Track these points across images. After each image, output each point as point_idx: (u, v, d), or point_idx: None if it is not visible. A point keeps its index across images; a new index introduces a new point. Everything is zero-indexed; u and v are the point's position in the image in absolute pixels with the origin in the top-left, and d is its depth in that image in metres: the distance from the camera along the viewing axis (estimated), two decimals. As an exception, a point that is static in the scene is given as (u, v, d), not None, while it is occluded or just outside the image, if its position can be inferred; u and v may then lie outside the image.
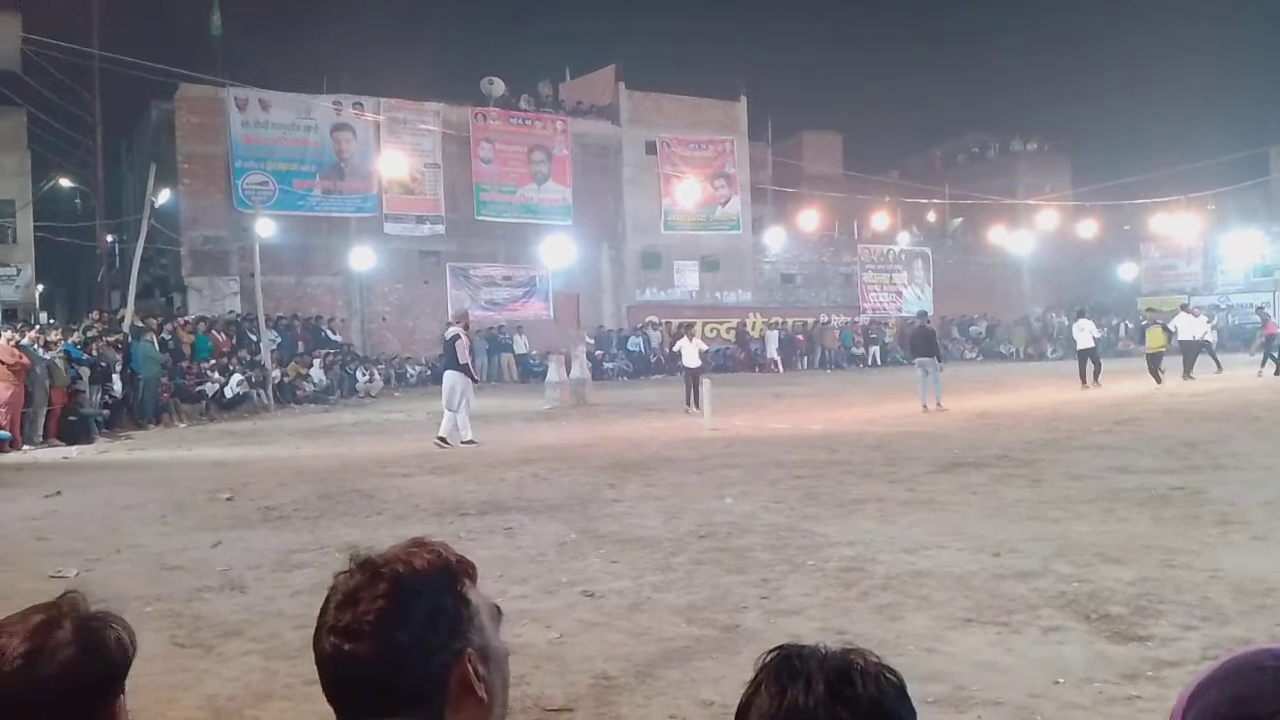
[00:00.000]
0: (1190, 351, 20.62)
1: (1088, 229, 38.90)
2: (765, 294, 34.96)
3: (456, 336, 13.01)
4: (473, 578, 1.12)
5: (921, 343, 16.66)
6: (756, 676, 0.93)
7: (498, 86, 30.16)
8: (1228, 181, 36.44)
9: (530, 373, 26.59)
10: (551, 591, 5.27)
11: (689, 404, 16.30)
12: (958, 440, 11.35)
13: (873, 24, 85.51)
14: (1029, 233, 38.73)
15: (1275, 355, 20.72)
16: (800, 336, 33.49)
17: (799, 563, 5.68)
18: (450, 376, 12.91)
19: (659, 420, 15.45)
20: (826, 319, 34.51)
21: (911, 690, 3.23)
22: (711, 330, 33.22)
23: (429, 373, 26.62)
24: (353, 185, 27.59)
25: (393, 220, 28.05)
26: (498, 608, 1.15)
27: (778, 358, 31.80)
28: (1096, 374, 19.75)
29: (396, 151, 27.52)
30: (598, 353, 28.23)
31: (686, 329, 20.05)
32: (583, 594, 5.18)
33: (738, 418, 14.94)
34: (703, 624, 4.57)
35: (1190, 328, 21.10)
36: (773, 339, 32.38)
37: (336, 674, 1.04)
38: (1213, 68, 69.99)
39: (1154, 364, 19.34)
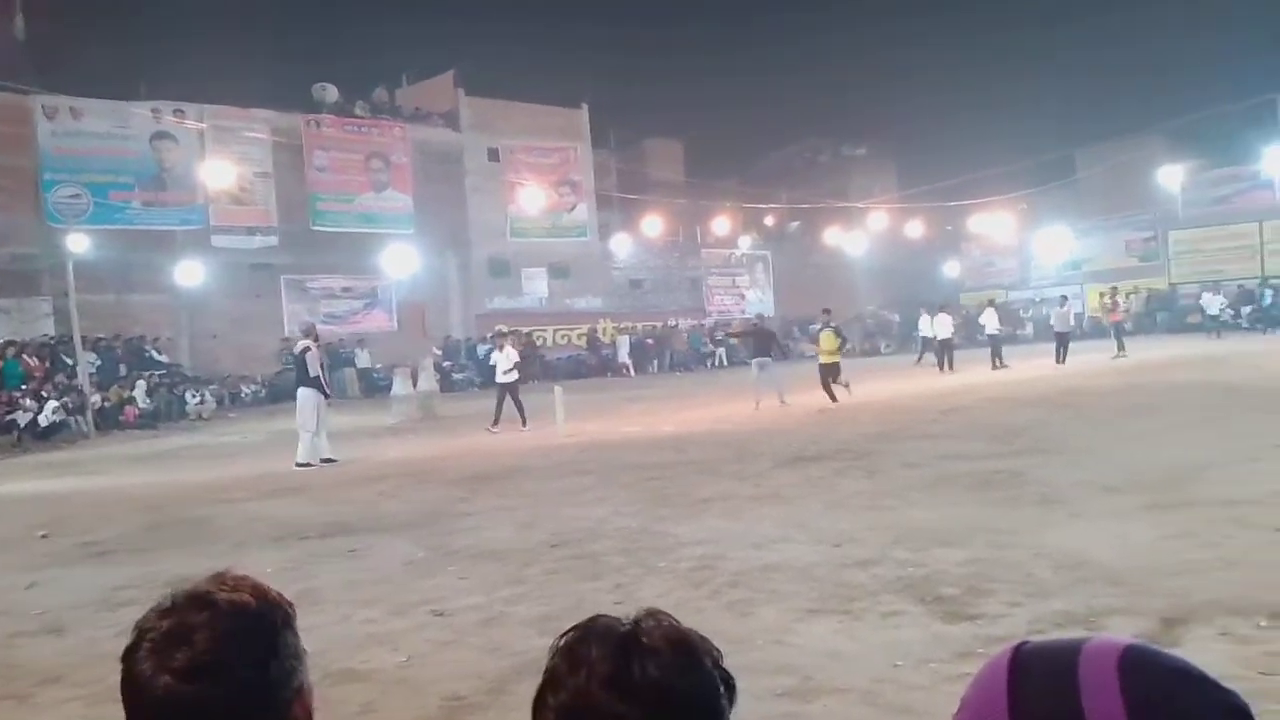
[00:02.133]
0: (997, 343, 22.42)
1: (914, 229, 41.03)
2: (615, 299, 35.23)
3: (307, 349, 12.46)
4: (293, 615, 1.05)
5: (758, 342, 17.01)
6: (550, 663, 0.88)
7: (331, 93, 29.23)
8: (1039, 182, 39.18)
9: (375, 387, 25.83)
10: (400, 613, 5.11)
11: (494, 424, 14.77)
12: (800, 435, 11.72)
13: (709, 34, 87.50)
14: (862, 234, 40.53)
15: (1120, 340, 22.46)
16: (650, 340, 33.92)
17: (652, 565, 5.72)
18: (303, 393, 12.38)
19: (511, 430, 15.27)
20: (675, 323, 35.11)
21: (762, 684, 3.26)
22: (563, 336, 33.25)
23: (265, 392, 25.52)
24: (176, 196, 26.13)
25: (222, 233, 26.71)
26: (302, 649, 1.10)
27: (629, 362, 32.11)
28: (951, 362, 21.94)
29: (223, 160, 26.20)
30: (446, 364, 27.73)
31: (499, 337, 17.28)
32: (432, 613, 5.04)
33: (591, 423, 14.97)
34: (557, 635, 4.51)
35: (941, 326, 22.99)
36: (624, 344, 32.68)
37: (167, 718, 0.94)
38: (1024, 74, 75.11)
39: (827, 375, 16.25)
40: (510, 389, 15.24)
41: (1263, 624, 3.86)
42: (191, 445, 16.24)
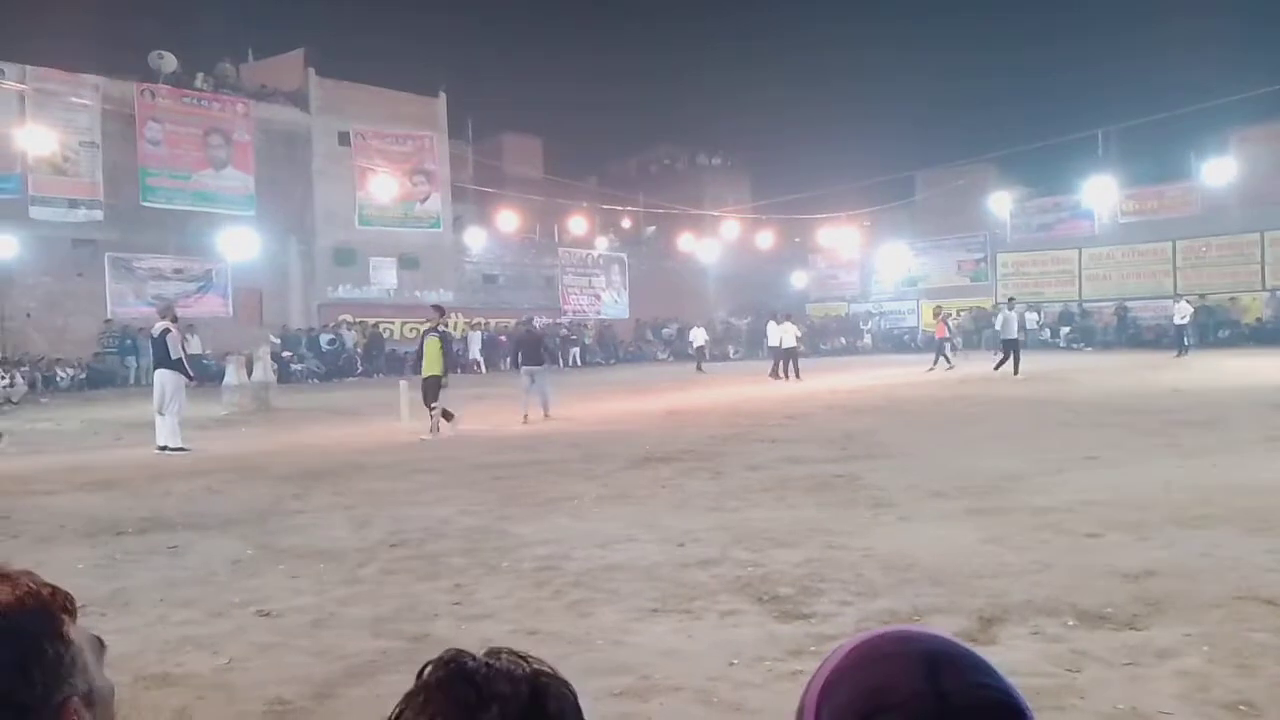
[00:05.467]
0: (792, 356, 22.94)
1: (765, 240, 42.24)
2: (468, 294, 34.66)
3: (166, 331, 11.97)
4: (72, 612, 0.94)
5: (528, 349, 15.32)
6: (419, 696, 0.81)
7: (169, 62, 27.55)
8: (881, 200, 41.05)
9: (204, 376, 24.47)
10: (221, 614, 4.82)
11: None
12: (650, 437, 11.82)
13: (571, 34, 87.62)
14: (714, 242, 41.41)
15: (945, 354, 24.13)
16: (503, 338, 33.50)
17: (494, 565, 5.61)
18: (161, 376, 11.88)
19: (353, 425, 14.77)
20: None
21: (599, 684, 3.22)
22: (412, 330, 32.44)
23: (83, 376, 23.85)
24: (-11, 163, 24.03)
25: (40, 204, 24.73)
26: (100, 640, 0.97)
27: (481, 359, 31.64)
28: (791, 369, 22.33)
29: (44, 127, 24.29)
30: (285, 354, 26.59)
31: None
32: (257, 614, 4.78)
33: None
34: (390, 636, 4.36)
35: (786, 335, 23.45)
36: (475, 340, 32.18)
37: None
38: (870, 99, 78.60)
39: (430, 392, 13.22)
40: None
41: (1070, 624, 4.12)
42: (-5, 432, 14.93)
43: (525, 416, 14.38)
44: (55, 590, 0.94)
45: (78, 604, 0.96)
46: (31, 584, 0.92)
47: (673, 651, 4.02)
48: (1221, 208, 33.25)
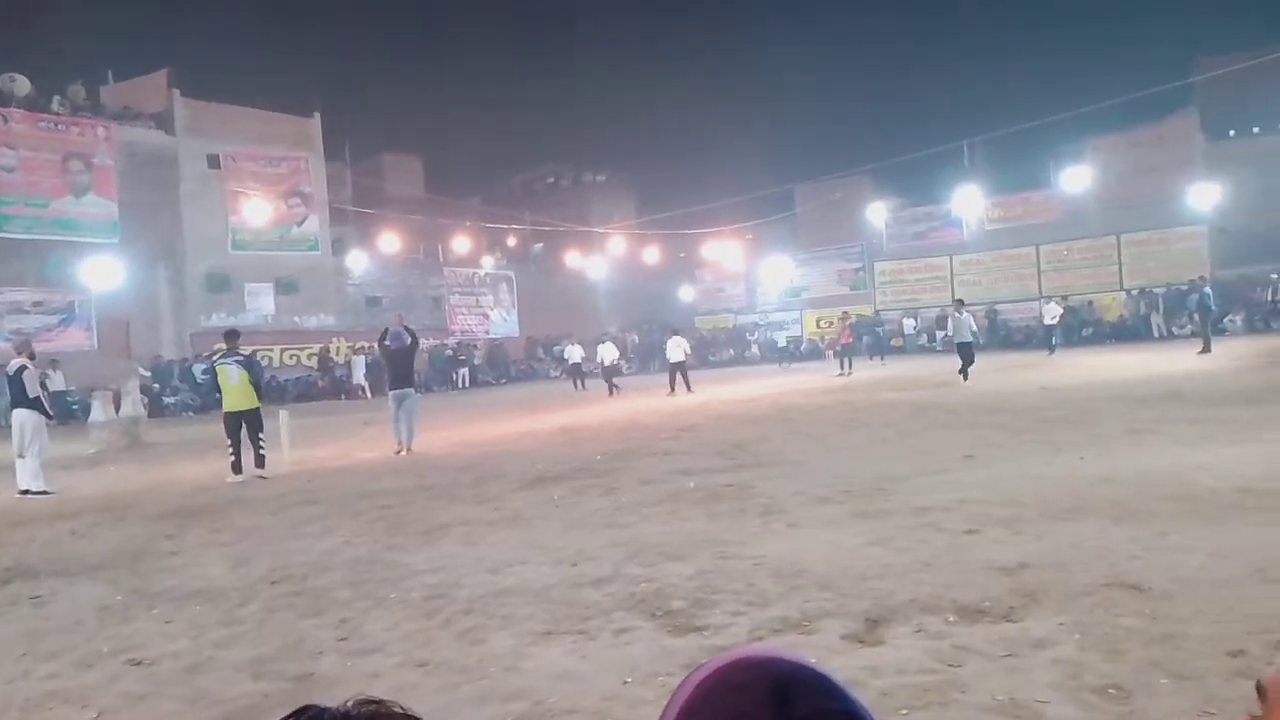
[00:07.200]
0: (681, 370, 22.78)
1: (652, 255, 42.68)
2: (350, 317, 33.86)
3: (23, 368, 11.37)
4: None
5: (398, 367, 13.54)
6: None
7: (21, 85, 26.14)
8: (763, 214, 42.04)
9: (69, 413, 23.18)
10: (90, 665, 4.55)
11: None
12: (543, 456, 11.73)
13: (449, 54, 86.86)
14: (602, 258, 41.61)
15: (849, 359, 25.23)
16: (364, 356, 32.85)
17: (381, 597, 5.45)
18: (20, 415, 11.33)
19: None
20: (415, 342, 34.20)
21: (492, 712, 3.14)
22: (292, 356, 31.47)
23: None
24: None
25: (-119, 236, 23.08)
26: None
27: (366, 383, 30.88)
28: (681, 381, 22.27)
29: (-118, 153, 22.72)
30: (155, 386, 25.42)
31: None
32: (129, 663, 4.52)
33: (321, 449, 14.21)
34: (272, 677, 4.18)
35: (674, 349, 23.33)
36: (359, 364, 31.40)
37: None
38: (748, 118, 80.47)
39: (255, 428, 11.74)
40: None
41: (951, 619, 4.25)
42: None
43: (399, 449, 13.25)
44: None
45: None
46: None
47: (567, 674, 3.97)
48: (1080, 213, 35.22)
